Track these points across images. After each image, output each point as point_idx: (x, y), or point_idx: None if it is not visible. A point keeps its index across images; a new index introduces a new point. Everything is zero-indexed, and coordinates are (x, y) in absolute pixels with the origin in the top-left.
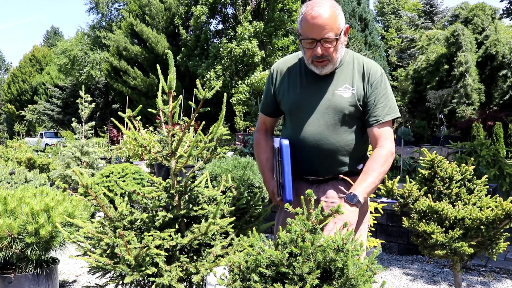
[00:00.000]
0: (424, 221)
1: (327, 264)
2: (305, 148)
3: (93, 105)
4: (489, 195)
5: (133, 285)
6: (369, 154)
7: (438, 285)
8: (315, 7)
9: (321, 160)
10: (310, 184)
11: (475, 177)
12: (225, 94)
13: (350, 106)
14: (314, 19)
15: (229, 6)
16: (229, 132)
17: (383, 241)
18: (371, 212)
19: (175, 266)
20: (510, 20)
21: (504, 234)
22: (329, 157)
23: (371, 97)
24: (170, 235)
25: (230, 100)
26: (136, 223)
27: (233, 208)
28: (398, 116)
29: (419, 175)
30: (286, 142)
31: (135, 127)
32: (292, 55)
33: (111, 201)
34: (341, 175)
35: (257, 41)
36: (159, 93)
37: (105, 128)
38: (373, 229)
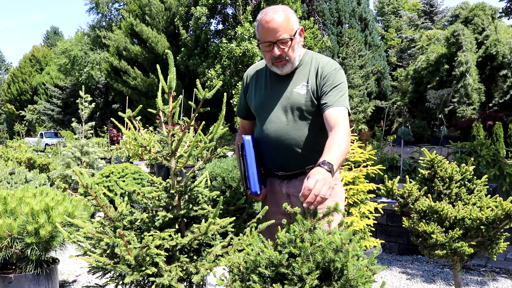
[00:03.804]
0: (424, 221)
1: (327, 264)
2: (269, 144)
3: (93, 105)
4: (489, 195)
5: (133, 285)
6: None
7: (438, 285)
8: (268, 13)
9: (284, 155)
10: (281, 179)
11: (475, 177)
12: (225, 94)
13: (307, 102)
14: (268, 23)
15: (229, 6)
16: (229, 132)
17: (383, 241)
18: (370, 212)
19: (175, 266)
20: (509, 19)
21: (504, 234)
22: (291, 151)
23: (323, 88)
24: (170, 235)
25: (230, 100)
26: (136, 223)
27: (233, 207)
28: (348, 109)
29: (419, 175)
30: (247, 137)
31: (135, 127)
32: (262, 61)
33: (111, 201)
34: (309, 170)
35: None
36: (159, 93)
37: (105, 128)
38: (373, 229)
